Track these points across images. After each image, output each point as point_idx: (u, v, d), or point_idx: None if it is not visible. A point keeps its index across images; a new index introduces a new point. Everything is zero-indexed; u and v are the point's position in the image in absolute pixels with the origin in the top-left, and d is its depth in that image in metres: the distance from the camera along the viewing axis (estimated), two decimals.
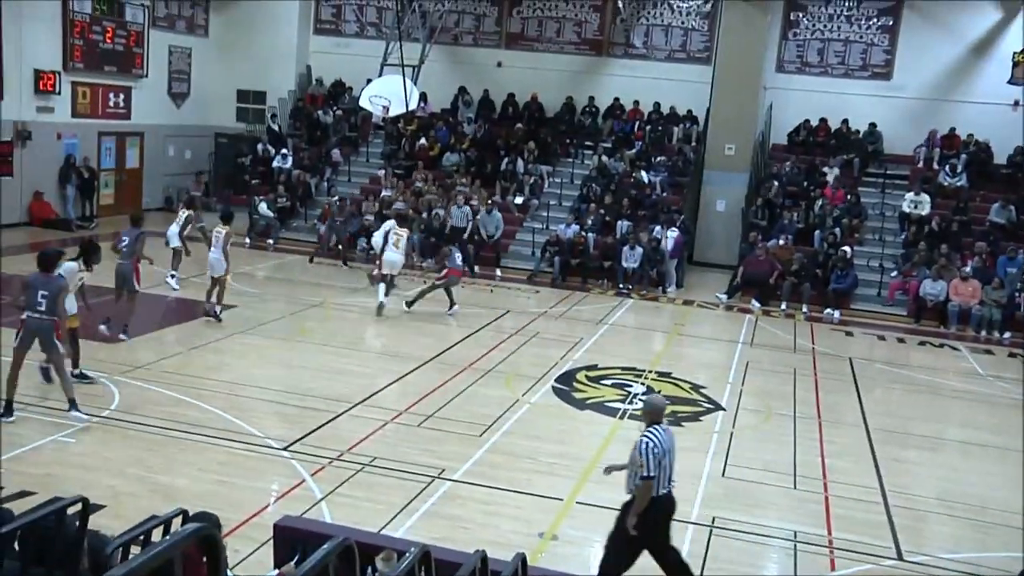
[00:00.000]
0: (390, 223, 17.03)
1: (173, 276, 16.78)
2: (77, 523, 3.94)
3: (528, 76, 26.09)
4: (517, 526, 8.34)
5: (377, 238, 17.53)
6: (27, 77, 21.33)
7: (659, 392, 12.77)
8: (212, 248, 14.93)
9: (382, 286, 16.30)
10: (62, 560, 3.67)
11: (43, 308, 9.90)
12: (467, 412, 11.34)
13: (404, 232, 16.74)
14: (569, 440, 10.76)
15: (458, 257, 16.96)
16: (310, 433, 10.18)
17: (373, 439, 10.18)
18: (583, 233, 21.30)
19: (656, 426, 7.02)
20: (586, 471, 9.71)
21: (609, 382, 13.24)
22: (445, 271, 16.71)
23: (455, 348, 14.44)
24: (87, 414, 10.02)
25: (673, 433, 7.19)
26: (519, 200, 23.38)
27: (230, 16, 27.45)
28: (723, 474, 10.02)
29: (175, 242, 16.65)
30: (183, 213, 16.98)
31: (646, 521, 6.91)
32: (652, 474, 6.81)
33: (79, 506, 3.97)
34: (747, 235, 21.53)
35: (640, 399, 7.38)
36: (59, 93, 22.25)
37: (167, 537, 2.00)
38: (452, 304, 16.58)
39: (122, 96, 24.51)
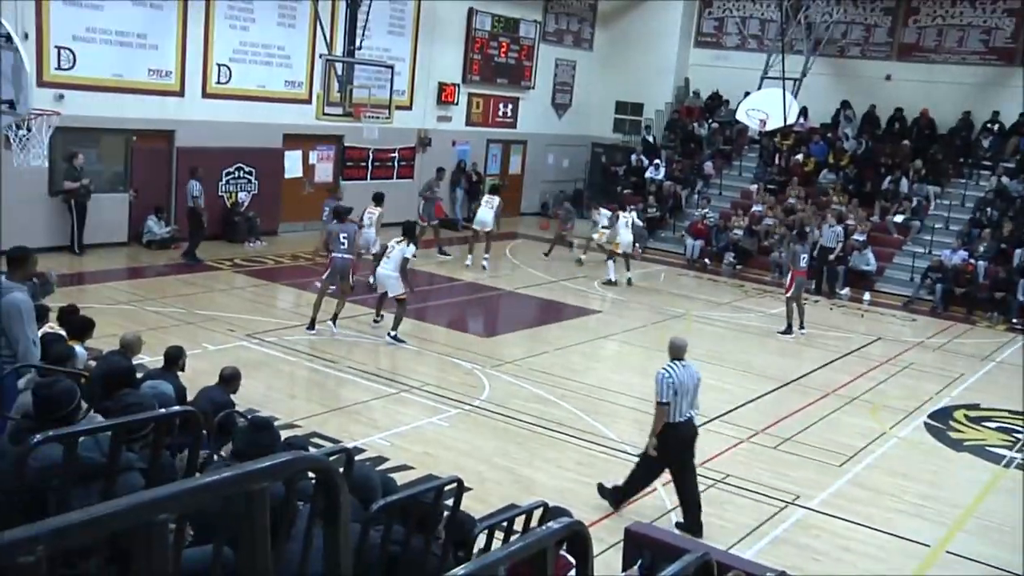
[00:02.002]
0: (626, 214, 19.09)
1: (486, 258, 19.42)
2: (451, 501, 4.27)
3: (920, 90, 24.27)
4: (874, 566, 7.84)
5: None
6: (432, 89, 23.54)
7: None
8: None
9: (611, 263, 18.62)
10: (451, 534, 4.01)
11: (345, 247, 12.98)
12: (827, 439, 10.83)
13: (631, 215, 19.21)
14: (941, 483, 9.91)
15: (803, 259, 16.09)
16: None
17: (727, 456, 10.04)
18: (972, 260, 19.51)
19: (677, 361, 8.16)
20: (960, 519, 8.90)
21: (993, 425, 12.01)
22: (791, 274, 15.97)
23: (819, 372, 13.85)
24: (466, 404, 10.85)
25: (696, 369, 8.30)
26: (898, 220, 21.90)
27: (614, 30, 28.35)
28: None
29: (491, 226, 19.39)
30: (496, 199, 19.48)
31: (666, 444, 8.06)
32: (663, 400, 7.99)
33: (454, 486, 4.30)
34: None
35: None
36: (456, 104, 24.31)
37: (541, 527, 2.10)
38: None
39: (510, 106, 26.23)
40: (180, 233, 17.89)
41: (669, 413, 8.01)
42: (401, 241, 13.03)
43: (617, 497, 8.48)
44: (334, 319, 13.19)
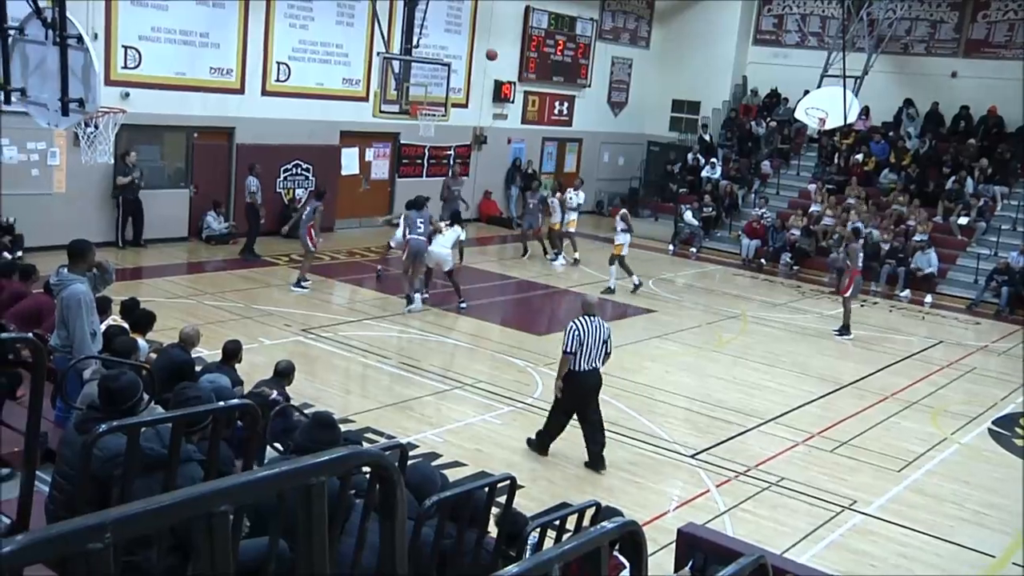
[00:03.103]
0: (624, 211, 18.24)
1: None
2: (504, 498, 4.28)
3: (987, 87, 23.64)
4: (933, 574, 7.68)
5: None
6: (488, 87, 23.57)
7: None
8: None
9: (613, 268, 17.40)
10: (503, 532, 4.02)
11: (421, 232, 14.35)
12: (886, 444, 10.65)
13: (625, 210, 18.43)
14: (1005, 491, 9.66)
15: (860, 257, 15.76)
16: (718, 444, 10.16)
17: (782, 458, 9.92)
18: None
19: (587, 316, 8.93)
20: None
21: None
22: (850, 273, 15.64)
23: (877, 375, 13.61)
24: (519, 402, 10.87)
25: (607, 326, 9.05)
26: (963, 221, 21.41)
27: (671, 28, 28.14)
28: None
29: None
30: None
31: (574, 390, 8.89)
32: (567, 350, 8.79)
33: (507, 483, 4.31)
34: None
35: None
36: (512, 101, 24.32)
37: (595, 527, 2.10)
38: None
39: (566, 104, 26.18)
40: (238, 229, 18.16)
41: (574, 362, 8.79)
42: (452, 225, 14.97)
43: (542, 442, 9.22)
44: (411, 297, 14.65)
